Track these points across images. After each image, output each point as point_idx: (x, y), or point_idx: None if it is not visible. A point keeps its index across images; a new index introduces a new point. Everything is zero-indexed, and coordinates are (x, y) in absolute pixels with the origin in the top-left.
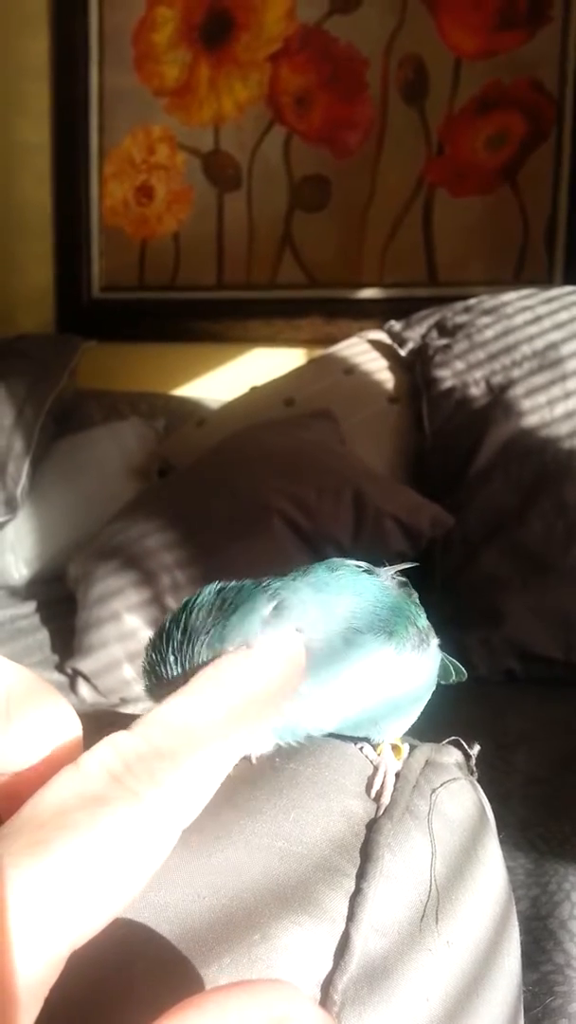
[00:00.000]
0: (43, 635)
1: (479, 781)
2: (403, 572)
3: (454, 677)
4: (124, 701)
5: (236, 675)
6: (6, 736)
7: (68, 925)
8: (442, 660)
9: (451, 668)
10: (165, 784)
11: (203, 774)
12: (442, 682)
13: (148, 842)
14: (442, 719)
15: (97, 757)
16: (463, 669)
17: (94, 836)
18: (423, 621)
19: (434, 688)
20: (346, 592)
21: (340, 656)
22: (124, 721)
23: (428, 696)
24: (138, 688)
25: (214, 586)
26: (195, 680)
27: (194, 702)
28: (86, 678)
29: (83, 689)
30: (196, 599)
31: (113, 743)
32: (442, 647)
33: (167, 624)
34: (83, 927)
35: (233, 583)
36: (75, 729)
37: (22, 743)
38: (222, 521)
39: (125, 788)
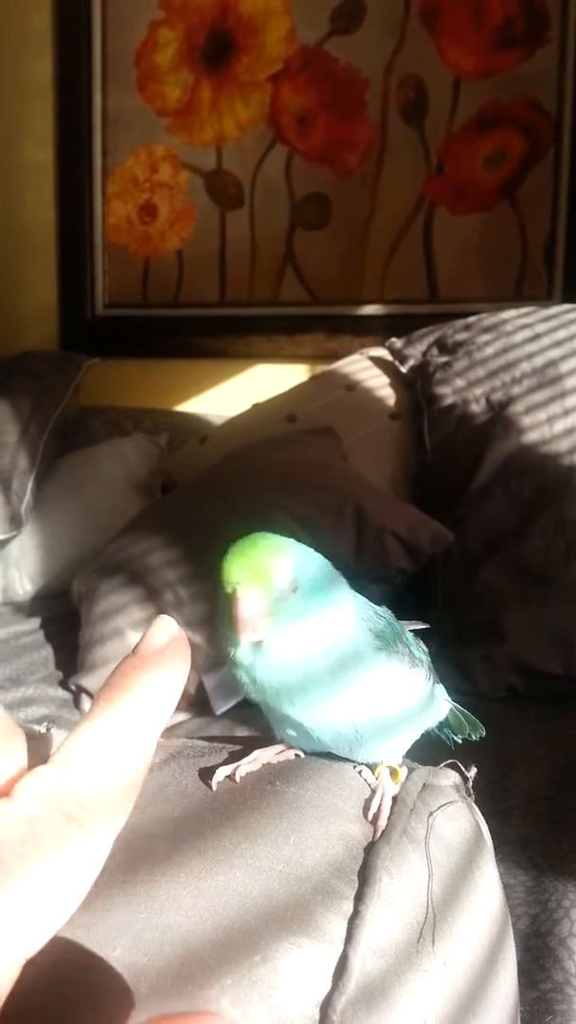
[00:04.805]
0: (47, 651)
1: (478, 799)
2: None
3: (468, 729)
4: None
5: (133, 685)
6: None
7: (16, 945)
8: (457, 713)
9: (465, 722)
10: (88, 804)
11: (120, 784)
12: (457, 737)
13: (83, 856)
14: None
15: (27, 789)
16: (479, 724)
17: (34, 861)
18: (416, 648)
19: (430, 722)
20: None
21: (348, 671)
22: None
23: (423, 722)
24: None
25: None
26: (95, 704)
27: (99, 725)
28: (90, 695)
29: (87, 706)
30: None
31: (36, 776)
32: (454, 700)
33: None
34: (31, 943)
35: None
36: (20, 761)
37: None
38: (225, 538)
39: (56, 812)
